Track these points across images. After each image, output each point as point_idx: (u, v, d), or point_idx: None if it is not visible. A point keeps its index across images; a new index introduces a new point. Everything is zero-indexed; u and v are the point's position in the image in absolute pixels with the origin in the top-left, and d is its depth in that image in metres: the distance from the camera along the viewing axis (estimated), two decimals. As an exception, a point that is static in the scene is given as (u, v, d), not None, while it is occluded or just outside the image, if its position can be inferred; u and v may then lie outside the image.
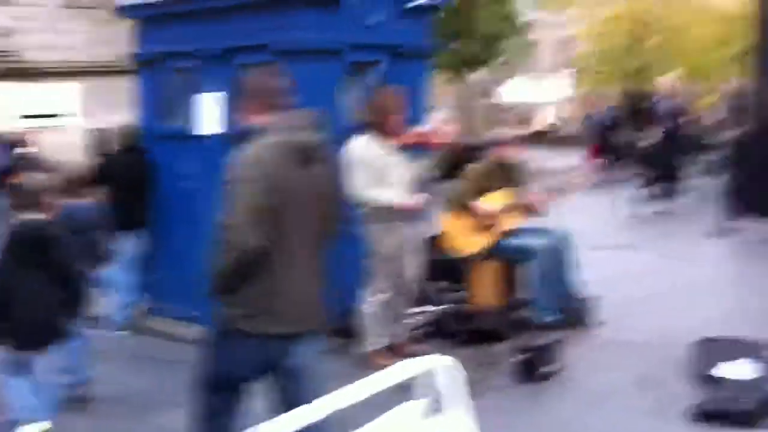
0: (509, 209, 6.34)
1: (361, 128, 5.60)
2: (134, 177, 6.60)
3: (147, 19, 6.77)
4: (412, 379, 2.32)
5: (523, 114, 41.83)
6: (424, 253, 6.58)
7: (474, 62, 16.02)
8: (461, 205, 6.33)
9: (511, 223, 6.38)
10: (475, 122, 25.94)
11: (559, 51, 40.09)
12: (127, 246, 6.66)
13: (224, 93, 6.10)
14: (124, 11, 6.93)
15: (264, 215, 3.03)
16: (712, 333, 5.53)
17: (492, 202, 6.33)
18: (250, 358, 3.20)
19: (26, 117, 6.20)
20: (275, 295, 3.11)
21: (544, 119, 40.22)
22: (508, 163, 6.52)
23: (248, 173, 3.04)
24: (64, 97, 6.44)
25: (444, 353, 5.47)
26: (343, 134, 5.68)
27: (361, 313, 5.63)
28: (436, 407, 2.40)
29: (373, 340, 5.62)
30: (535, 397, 5.07)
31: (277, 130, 3.13)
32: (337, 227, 3.41)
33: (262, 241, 3.03)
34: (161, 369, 5.70)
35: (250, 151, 3.09)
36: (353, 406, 2.20)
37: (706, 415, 4.53)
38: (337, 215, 3.41)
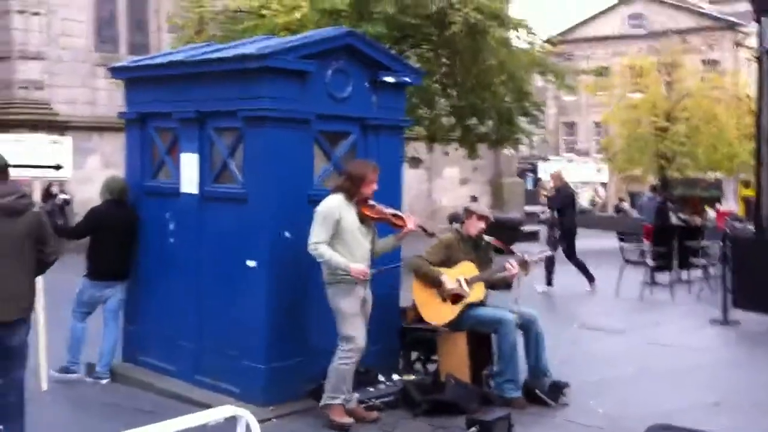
0: (475, 280, 6.35)
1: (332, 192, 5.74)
2: (121, 228, 6.76)
3: (131, 81, 7.06)
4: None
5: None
6: (397, 321, 6.67)
7: (487, 139, 16.15)
8: (427, 277, 6.35)
9: (478, 294, 6.38)
10: (509, 197, 26.11)
11: (594, 134, 40.34)
12: (113, 295, 6.80)
13: (199, 154, 6.30)
14: (113, 72, 7.20)
15: None
16: (676, 422, 5.39)
17: (456, 273, 6.34)
18: None
19: (15, 166, 6.36)
20: None
21: (587, 199, 40.25)
22: (474, 237, 6.55)
23: None
24: (56, 149, 6.62)
25: (401, 422, 5.61)
26: (311, 197, 5.83)
27: (330, 370, 5.67)
28: None
29: (333, 394, 5.66)
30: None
31: None
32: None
33: None
34: (129, 418, 5.72)
35: None
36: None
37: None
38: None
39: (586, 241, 21.80)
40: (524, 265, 6.52)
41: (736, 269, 9.94)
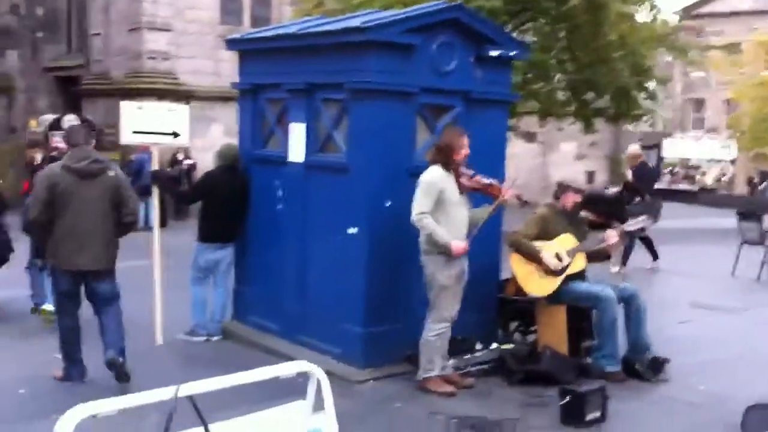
0: (575, 252, 6.33)
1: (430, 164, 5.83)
2: (231, 194, 7.06)
3: (245, 53, 7.31)
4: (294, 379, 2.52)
5: (686, 171, 40.61)
6: (496, 292, 6.74)
7: (604, 114, 15.79)
8: (526, 252, 6.37)
9: (578, 266, 6.36)
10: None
11: (724, 111, 38.71)
12: (224, 257, 7.14)
13: (306, 124, 6.51)
14: (228, 44, 7.49)
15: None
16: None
17: (555, 245, 6.34)
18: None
19: (136, 132, 6.80)
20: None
21: (713, 177, 38.87)
22: (571, 210, 6.53)
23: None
24: (177, 117, 6.97)
25: (496, 389, 5.71)
26: (412, 170, 5.95)
27: (422, 340, 5.80)
28: (317, 407, 2.59)
29: (428, 367, 5.78)
30: (568, 442, 5.03)
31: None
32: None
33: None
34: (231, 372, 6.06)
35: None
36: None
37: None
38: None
39: (705, 220, 21.19)
40: (624, 235, 6.45)
41: None
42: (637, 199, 11.46)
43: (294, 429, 2.54)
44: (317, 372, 2.58)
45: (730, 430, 5.10)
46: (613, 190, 12.97)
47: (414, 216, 5.67)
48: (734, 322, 8.50)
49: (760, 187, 22.58)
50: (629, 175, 12.18)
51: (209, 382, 2.34)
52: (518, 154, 20.54)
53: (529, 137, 17.48)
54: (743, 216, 12.03)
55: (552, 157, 24.55)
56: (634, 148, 13.07)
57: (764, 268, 11.20)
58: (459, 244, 5.65)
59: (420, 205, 5.66)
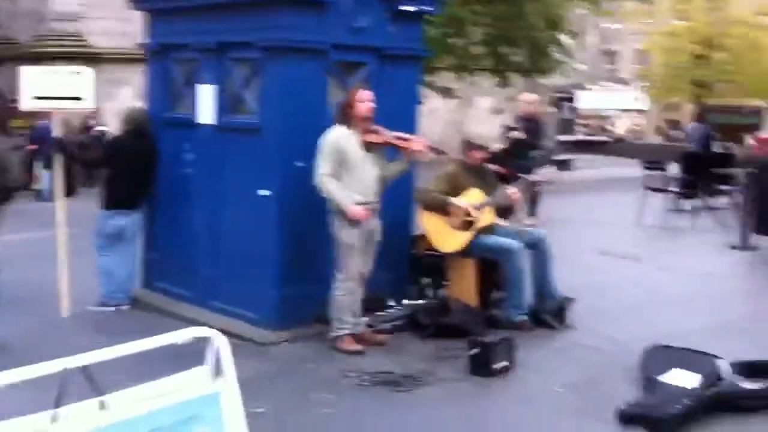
0: (484, 206, 6.47)
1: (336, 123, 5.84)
2: (137, 159, 6.94)
3: (153, 12, 7.15)
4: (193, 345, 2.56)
5: (600, 122, 41.55)
6: (408, 249, 6.85)
7: (519, 69, 16.03)
8: (436, 204, 6.48)
9: (487, 220, 6.51)
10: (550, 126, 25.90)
11: (635, 62, 39.59)
12: (129, 224, 7.02)
13: (217, 85, 6.43)
14: (135, 3, 7.31)
15: None
16: (679, 344, 5.55)
17: (467, 199, 6.47)
18: None
19: (37, 98, 6.62)
20: None
21: (625, 127, 39.87)
22: (478, 166, 6.66)
23: None
24: (80, 81, 6.78)
25: (408, 345, 5.84)
26: (326, 128, 5.95)
27: (331, 300, 5.86)
28: (217, 372, 2.64)
29: (339, 326, 5.85)
30: (477, 391, 5.18)
31: None
32: None
33: None
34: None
35: None
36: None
37: (627, 418, 4.59)
38: None
39: (616, 169, 21.78)
40: (530, 186, 6.63)
41: (757, 195, 9.91)
42: (534, 152, 10.90)
43: (191, 395, 2.57)
44: (215, 336, 2.60)
45: (630, 370, 5.34)
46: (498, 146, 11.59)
47: (316, 178, 5.69)
48: (638, 269, 8.84)
49: (672, 133, 23.30)
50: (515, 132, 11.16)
51: (101, 353, 2.35)
52: (436, 109, 20.67)
53: (447, 93, 17.55)
54: (649, 165, 12.43)
55: (469, 113, 24.75)
56: (528, 96, 12.42)
57: (668, 216, 11.63)
58: (356, 208, 5.67)
59: (320, 166, 5.67)
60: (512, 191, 6.58)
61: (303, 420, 4.66)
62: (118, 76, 17.72)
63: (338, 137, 5.71)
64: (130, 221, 7.01)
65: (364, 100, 5.74)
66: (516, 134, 10.97)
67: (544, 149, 11.43)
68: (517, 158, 10.20)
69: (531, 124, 11.35)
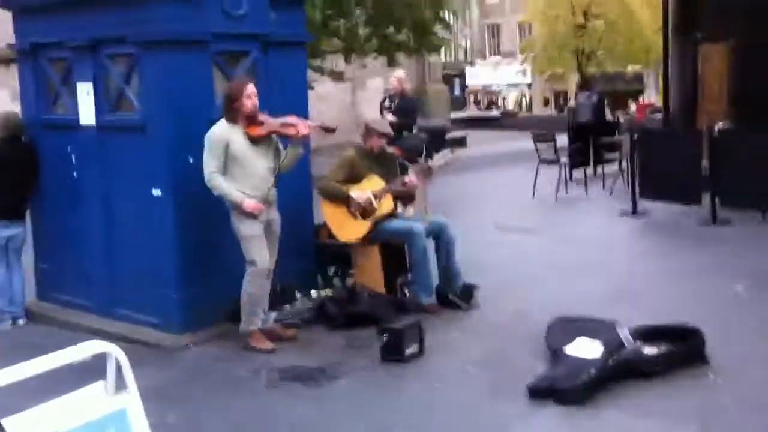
0: (382, 193, 6.44)
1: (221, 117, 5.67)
2: (15, 166, 6.62)
3: (21, 10, 6.79)
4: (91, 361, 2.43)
5: (489, 97, 42.26)
6: (312, 239, 6.76)
7: (405, 48, 16.09)
8: (335, 196, 6.41)
9: (387, 208, 6.49)
10: (434, 104, 26.14)
11: (518, 35, 40.37)
12: (14, 235, 6.68)
13: (94, 83, 6.16)
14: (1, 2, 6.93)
15: None
16: (580, 312, 5.68)
17: (363, 187, 6.43)
18: None
19: None
20: None
21: (513, 101, 40.64)
22: (377, 152, 6.62)
23: None
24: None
25: (318, 337, 5.77)
26: (214, 121, 5.77)
27: (241, 296, 5.72)
28: (119, 386, 2.51)
29: (248, 321, 5.72)
30: (390, 378, 5.16)
31: None
32: None
33: None
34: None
35: None
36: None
37: (537, 392, 4.66)
38: None
39: (508, 143, 22.20)
40: (427, 171, 6.64)
41: (642, 160, 10.24)
42: (405, 133, 10.37)
43: (93, 413, 2.42)
44: (113, 350, 2.46)
45: (537, 344, 5.42)
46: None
47: (205, 177, 5.53)
48: (536, 242, 9.00)
49: (570, 104, 23.71)
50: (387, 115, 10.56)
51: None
52: (328, 94, 20.51)
53: (337, 76, 17.43)
54: (538, 137, 12.67)
55: (361, 95, 24.73)
56: (397, 72, 11.76)
57: (561, 187, 11.92)
58: (250, 202, 5.54)
59: (207, 164, 5.51)
60: (410, 178, 6.56)
61: (216, 424, 4.54)
62: (-9, 79, 16.84)
63: (221, 133, 5.54)
64: (15, 232, 6.69)
65: (250, 96, 5.57)
66: (389, 118, 10.29)
67: (416, 129, 11.11)
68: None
69: (402, 101, 10.93)
